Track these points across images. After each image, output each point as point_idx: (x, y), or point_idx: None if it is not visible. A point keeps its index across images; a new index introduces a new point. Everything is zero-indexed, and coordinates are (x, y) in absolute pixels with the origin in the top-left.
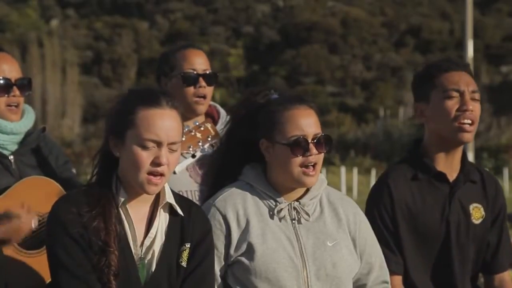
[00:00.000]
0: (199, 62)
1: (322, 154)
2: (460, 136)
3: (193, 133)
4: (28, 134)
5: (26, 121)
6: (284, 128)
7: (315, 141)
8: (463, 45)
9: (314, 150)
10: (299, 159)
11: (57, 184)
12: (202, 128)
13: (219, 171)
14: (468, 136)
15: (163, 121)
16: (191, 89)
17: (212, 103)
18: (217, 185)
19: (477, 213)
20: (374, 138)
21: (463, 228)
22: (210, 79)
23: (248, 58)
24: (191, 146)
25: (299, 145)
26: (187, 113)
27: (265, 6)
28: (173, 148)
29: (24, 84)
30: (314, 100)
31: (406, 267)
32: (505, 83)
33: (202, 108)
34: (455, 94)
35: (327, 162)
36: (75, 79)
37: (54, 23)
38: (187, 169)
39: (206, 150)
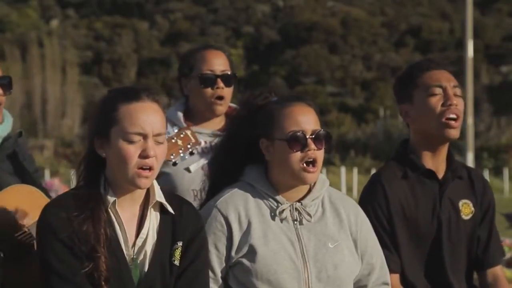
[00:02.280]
0: (217, 63)
1: (322, 150)
2: (447, 133)
3: (174, 141)
4: (5, 139)
5: (6, 125)
6: (283, 125)
7: (313, 136)
8: (463, 45)
9: (312, 146)
10: (298, 155)
11: (41, 192)
12: (182, 135)
13: (219, 172)
14: (454, 133)
15: (146, 114)
16: (209, 90)
17: (233, 105)
18: (218, 186)
19: (466, 209)
20: (374, 138)
21: (453, 224)
22: (228, 80)
23: (248, 58)
24: (173, 154)
25: (297, 140)
26: (207, 113)
27: (265, 6)
28: (159, 140)
29: (4, 84)
30: (314, 100)
31: (401, 265)
32: (505, 83)
33: (221, 108)
34: (437, 90)
35: (327, 162)
36: (75, 79)
37: (54, 23)
38: (202, 168)
39: (186, 158)
